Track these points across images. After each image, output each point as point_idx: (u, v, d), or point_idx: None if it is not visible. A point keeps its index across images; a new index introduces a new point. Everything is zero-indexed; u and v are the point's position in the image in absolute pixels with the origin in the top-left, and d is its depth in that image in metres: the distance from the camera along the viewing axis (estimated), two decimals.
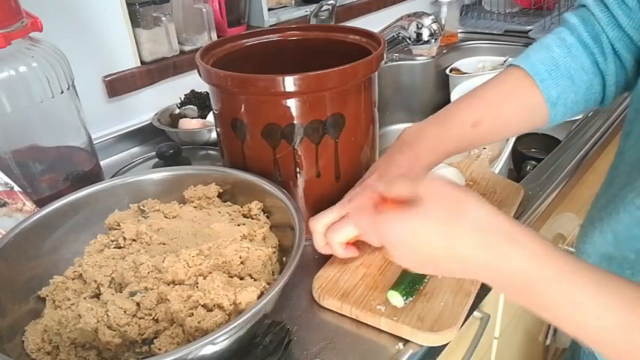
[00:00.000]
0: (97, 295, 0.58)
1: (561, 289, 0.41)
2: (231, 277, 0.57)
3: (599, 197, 0.67)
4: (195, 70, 0.71)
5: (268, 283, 0.57)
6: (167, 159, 0.92)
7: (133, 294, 0.55)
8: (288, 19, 1.31)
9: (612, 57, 0.62)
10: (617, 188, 0.61)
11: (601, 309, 0.40)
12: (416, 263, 0.48)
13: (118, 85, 1.02)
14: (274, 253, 0.62)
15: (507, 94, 0.65)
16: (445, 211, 0.44)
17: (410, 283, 0.61)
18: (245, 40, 0.80)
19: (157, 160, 0.95)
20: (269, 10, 1.28)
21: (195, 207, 0.69)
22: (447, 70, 1.48)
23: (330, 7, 1.26)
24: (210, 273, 0.56)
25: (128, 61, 1.04)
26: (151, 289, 0.55)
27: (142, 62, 1.06)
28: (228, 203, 0.70)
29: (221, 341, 0.49)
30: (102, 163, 0.88)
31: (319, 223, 0.61)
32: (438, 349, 0.59)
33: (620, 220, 0.59)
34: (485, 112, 0.65)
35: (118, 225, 0.66)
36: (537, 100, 0.64)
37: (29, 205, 0.68)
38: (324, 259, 0.68)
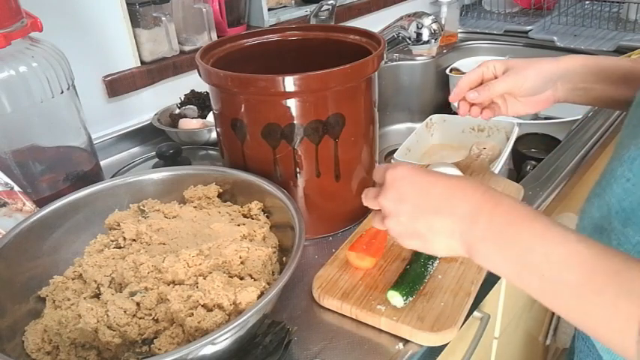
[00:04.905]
0: (97, 295, 0.58)
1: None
2: (231, 277, 0.57)
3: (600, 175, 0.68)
4: (195, 70, 0.71)
5: (268, 283, 0.57)
6: (167, 159, 0.92)
7: (133, 294, 0.55)
8: (288, 19, 1.31)
9: None
10: (612, 162, 0.62)
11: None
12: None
13: (118, 85, 1.02)
14: (274, 253, 0.62)
15: None
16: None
17: (410, 283, 0.61)
18: (245, 40, 0.80)
19: (157, 160, 0.95)
20: (269, 10, 1.28)
21: (195, 207, 0.69)
22: (447, 70, 1.48)
23: (330, 7, 1.26)
24: (210, 273, 0.56)
25: (128, 61, 1.04)
26: (151, 289, 0.55)
27: (142, 62, 1.06)
28: (228, 203, 0.70)
29: (221, 341, 0.49)
30: (102, 163, 0.88)
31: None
32: (438, 349, 0.59)
33: (612, 192, 0.60)
34: None
35: (118, 225, 0.66)
36: None
37: (29, 205, 0.68)
38: (324, 259, 0.68)
